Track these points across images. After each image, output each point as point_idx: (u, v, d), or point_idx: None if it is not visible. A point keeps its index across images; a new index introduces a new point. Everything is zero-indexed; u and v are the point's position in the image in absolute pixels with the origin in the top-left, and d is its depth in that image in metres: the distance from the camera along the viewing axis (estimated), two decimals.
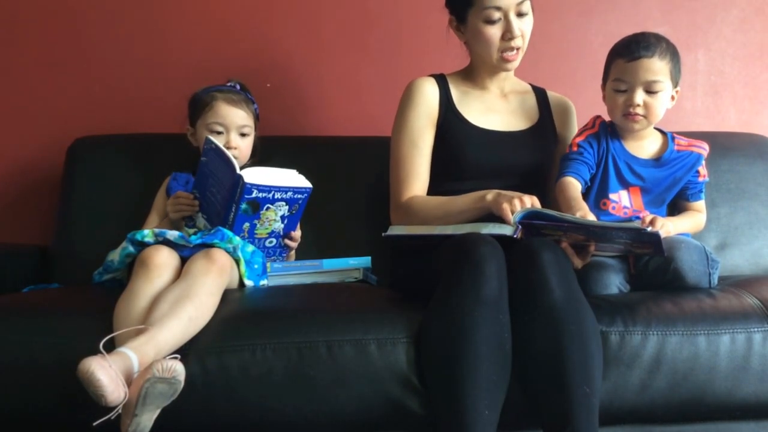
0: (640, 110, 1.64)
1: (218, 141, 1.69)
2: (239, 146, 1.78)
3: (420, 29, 2.24)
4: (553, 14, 2.25)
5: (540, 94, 1.90)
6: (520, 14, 1.69)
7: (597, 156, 1.70)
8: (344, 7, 2.25)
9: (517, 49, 1.72)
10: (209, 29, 2.22)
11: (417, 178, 1.75)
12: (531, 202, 1.50)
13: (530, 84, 1.92)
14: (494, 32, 1.70)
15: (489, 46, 1.72)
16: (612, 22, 2.29)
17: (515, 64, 1.75)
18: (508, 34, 1.70)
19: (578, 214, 1.50)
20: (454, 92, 1.81)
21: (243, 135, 1.80)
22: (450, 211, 1.65)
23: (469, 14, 1.73)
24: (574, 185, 1.65)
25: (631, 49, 1.63)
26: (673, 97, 1.68)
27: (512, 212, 1.47)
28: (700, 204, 1.77)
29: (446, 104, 1.79)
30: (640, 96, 1.63)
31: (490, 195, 1.58)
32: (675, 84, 1.67)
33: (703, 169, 1.74)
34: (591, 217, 1.51)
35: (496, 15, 1.69)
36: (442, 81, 1.82)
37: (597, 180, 1.70)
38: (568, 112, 1.90)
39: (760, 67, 2.35)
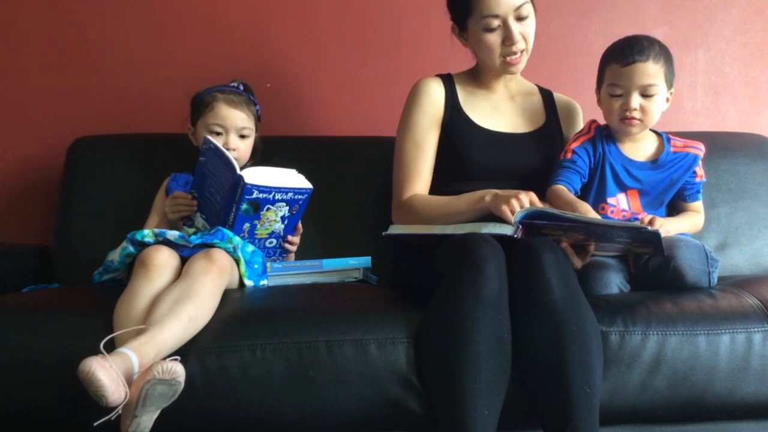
0: (636, 114, 1.64)
1: (217, 142, 1.69)
2: (238, 148, 1.78)
3: (420, 29, 2.24)
4: (553, 14, 2.25)
5: (546, 96, 1.89)
6: (519, 18, 1.69)
7: (593, 162, 1.70)
8: (344, 7, 2.25)
9: (521, 51, 1.72)
10: (209, 29, 2.22)
11: (419, 178, 1.75)
12: (528, 199, 1.50)
13: (537, 85, 1.92)
14: (494, 39, 1.70)
15: (491, 53, 1.72)
16: (612, 22, 2.29)
17: (520, 67, 1.75)
18: (508, 41, 1.69)
19: (582, 209, 1.51)
20: (461, 92, 1.81)
21: (242, 137, 1.80)
22: (449, 212, 1.65)
23: (469, 22, 1.73)
24: (566, 191, 1.65)
25: (626, 54, 1.63)
26: (668, 99, 1.68)
27: (512, 212, 1.48)
28: (698, 204, 1.78)
29: (452, 104, 1.79)
30: (636, 100, 1.63)
31: (488, 196, 1.58)
32: (669, 86, 1.67)
33: (700, 170, 1.74)
34: (593, 214, 1.51)
35: (495, 23, 1.68)
36: (448, 81, 1.82)
37: (594, 184, 1.70)
38: (575, 114, 1.89)
39: (760, 67, 2.35)
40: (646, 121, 1.66)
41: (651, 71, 1.62)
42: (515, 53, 1.71)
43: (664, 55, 1.64)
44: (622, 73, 1.63)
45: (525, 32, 1.70)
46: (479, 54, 1.77)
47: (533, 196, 1.52)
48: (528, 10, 1.70)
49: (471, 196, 1.63)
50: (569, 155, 1.70)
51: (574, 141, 1.73)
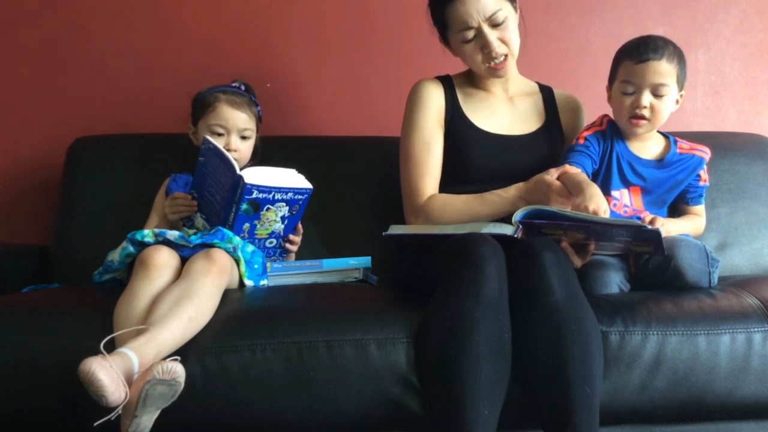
0: (646, 112, 1.64)
1: (218, 143, 1.69)
2: (239, 149, 1.78)
3: (420, 29, 2.22)
4: (553, 14, 2.25)
5: (547, 94, 1.88)
6: (494, 25, 1.67)
7: (601, 153, 1.70)
8: (344, 7, 2.25)
9: (504, 56, 1.70)
10: (210, 30, 2.22)
11: (432, 179, 1.74)
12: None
13: (537, 83, 1.91)
14: (473, 49, 1.70)
15: (473, 62, 1.73)
16: (612, 22, 2.29)
17: (505, 71, 1.74)
18: (486, 48, 1.69)
19: (589, 192, 1.48)
20: (460, 94, 1.81)
21: (244, 138, 1.80)
22: (475, 218, 1.64)
23: (449, 36, 1.74)
24: (577, 170, 1.63)
25: (640, 52, 1.63)
26: (677, 101, 1.68)
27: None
28: (700, 208, 1.78)
29: (452, 106, 1.79)
30: (647, 98, 1.63)
31: (525, 194, 1.61)
32: (680, 88, 1.67)
33: (704, 173, 1.74)
34: (600, 196, 1.48)
35: (470, 34, 1.68)
36: (447, 83, 1.82)
37: (600, 177, 1.70)
38: (577, 111, 1.88)
39: (760, 67, 2.35)
40: (655, 120, 1.66)
41: (664, 70, 1.62)
42: (496, 58, 1.70)
43: (678, 56, 1.65)
44: (636, 70, 1.63)
45: (504, 37, 1.69)
46: (465, 63, 1.78)
47: (557, 184, 1.54)
48: (503, 15, 1.67)
49: (500, 200, 1.64)
50: (582, 141, 1.70)
51: (586, 130, 1.73)
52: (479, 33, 1.67)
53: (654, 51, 1.62)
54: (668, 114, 1.67)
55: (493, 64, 1.71)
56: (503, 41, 1.69)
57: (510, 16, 1.69)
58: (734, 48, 2.35)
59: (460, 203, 1.68)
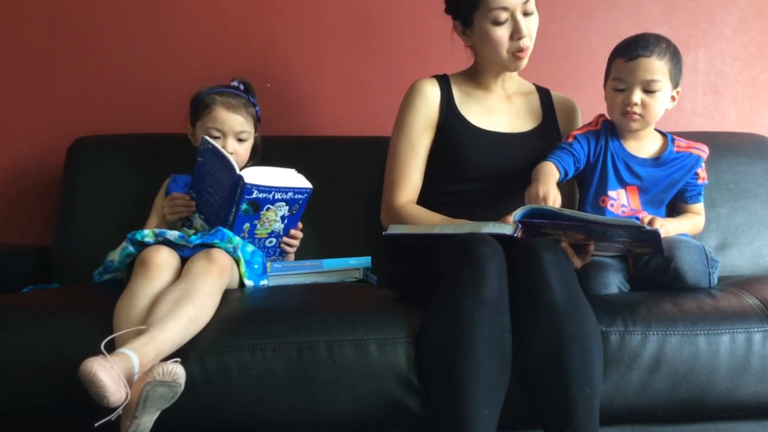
0: (637, 109, 1.64)
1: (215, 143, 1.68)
2: (236, 151, 1.77)
3: (421, 29, 2.24)
4: (553, 14, 2.25)
5: (544, 95, 1.89)
6: (526, 13, 1.70)
7: (593, 153, 1.70)
8: (345, 6, 2.25)
9: (526, 48, 1.72)
10: (210, 29, 2.22)
11: (410, 181, 1.76)
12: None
13: (534, 84, 1.92)
14: (502, 33, 1.70)
15: (498, 47, 1.72)
16: (612, 22, 2.29)
17: (524, 62, 1.75)
18: (516, 34, 1.70)
19: (537, 188, 1.53)
20: (457, 93, 1.81)
21: (240, 140, 1.79)
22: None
23: (476, 17, 1.72)
24: (549, 165, 1.64)
25: (630, 49, 1.64)
26: (673, 98, 1.68)
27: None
28: (699, 207, 1.78)
29: (447, 106, 1.79)
30: (638, 95, 1.64)
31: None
32: (675, 85, 1.67)
33: (702, 172, 1.74)
34: (548, 188, 1.53)
35: (503, 16, 1.68)
36: (444, 82, 1.82)
37: (596, 177, 1.70)
38: (573, 113, 1.89)
39: (760, 67, 2.35)
40: (647, 117, 1.66)
41: (654, 67, 1.62)
42: (523, 46, 1.71)
43: (671, 53, 1.65)
44: (626, 67, 1.64)
45: (531, 28, 1.71)
46: (485, 50, 1.76)
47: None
48: (533, 6, 1.71)
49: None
50: (570, 139, 1.71)
51: (579, 129, 1.74)
52: (512, 18, 1.69)
53: (644, 48, 1.62)
54: (662, 111, 1.67)
55: (516, 53, 1.72)
56: (529, 33, 1.71)
57: (536, 12, 1.72)
58: (734, 48, 2.35)
59: (428, 221, 1.68)
